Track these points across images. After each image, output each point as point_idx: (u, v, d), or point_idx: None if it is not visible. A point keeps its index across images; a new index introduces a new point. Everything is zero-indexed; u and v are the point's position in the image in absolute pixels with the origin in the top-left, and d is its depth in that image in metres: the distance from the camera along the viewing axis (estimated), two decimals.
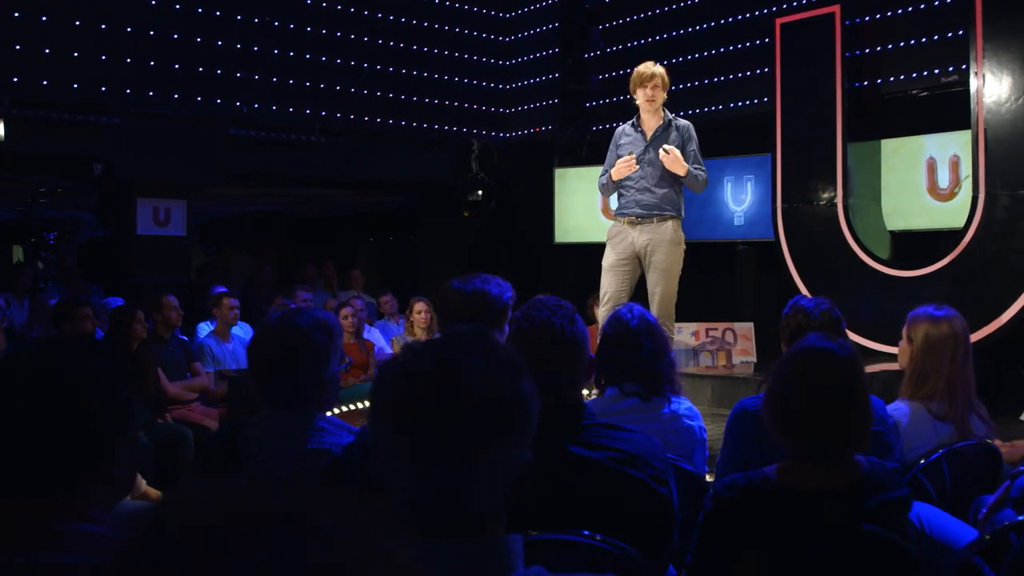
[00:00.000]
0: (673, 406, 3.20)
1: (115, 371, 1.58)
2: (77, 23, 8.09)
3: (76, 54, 8.10)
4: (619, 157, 5.96)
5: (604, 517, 2.21)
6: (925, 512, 3.06)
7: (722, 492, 2.30)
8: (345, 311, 7.69)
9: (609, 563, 2.14)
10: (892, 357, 6.24)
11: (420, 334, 8.00)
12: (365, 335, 8.05)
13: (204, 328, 7.68)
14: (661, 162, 5.72)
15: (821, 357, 2.22)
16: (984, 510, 3.08)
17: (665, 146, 5.71)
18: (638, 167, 5.79)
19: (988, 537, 2.39)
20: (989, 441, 3.44)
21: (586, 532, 2.16)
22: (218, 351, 7.01)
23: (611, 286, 5.87)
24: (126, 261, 8.53)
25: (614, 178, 5.81)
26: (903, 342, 3.53)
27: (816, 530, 2.19)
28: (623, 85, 9.87)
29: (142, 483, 4.65)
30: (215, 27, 8.82)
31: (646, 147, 5.84)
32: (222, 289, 7.92)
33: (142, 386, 5.93)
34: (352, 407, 6.52)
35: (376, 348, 8.03)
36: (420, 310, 7.95)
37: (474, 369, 1.29)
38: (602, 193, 6.26)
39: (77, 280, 8.53)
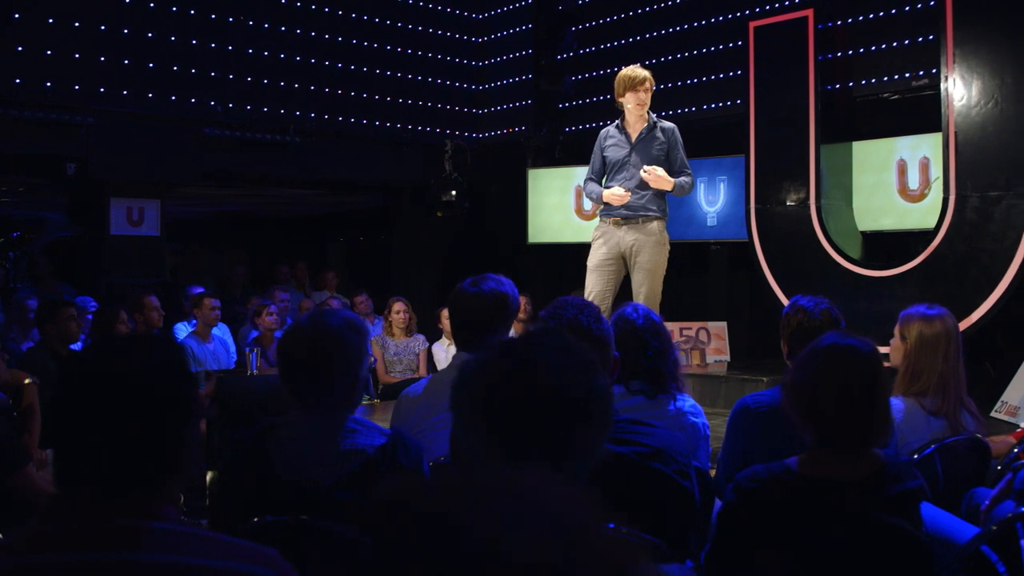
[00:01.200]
0: (678, 403, 3.26)
1: (180, 365, 1.61)
2: (50, 21, 8.00)
3: (49, 52, 8.02)
4: (604, 159, 6.02)
5: (631, 510, 2.27)
6: (922, 507, 3.15)
7: (744, 484, 2.36)
8: None
9: None
10: None
11: (399, 334, 8.03)
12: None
13: (181, 328, 7.64)
14: (646, 162, 5.77)
15: (845, 353, 2.29)
16: (979, 502, 3.18)
17: (645, 168, 5.74)
18: (624, 171, 5.85)
19: (995, 528, 2.47)
20: (979, 436, 3.54)
21: (611, 525, 2.21)
22: (199, 352, 6.97)
23: (596, 286, 5.92)
24: (99, 261, 8.44)
25: (608, 203, 5.81)
26: (896, 340, 3.63)
27: (838, 519, 2.26)
28: (597, 86, 10.02)
29: None
30: (189, 26, 8.77)
31: (631, 149, 5.89)
32: (199, 290, 7.88)
33: None
34: None
35: None
36: (399, 310, 7.98)
37: (556, 367, 1.33)
38: (587, 197, 6.28)
39: (49, 280, 8.43)
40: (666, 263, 5.89)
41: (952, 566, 2.42)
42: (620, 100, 5.96)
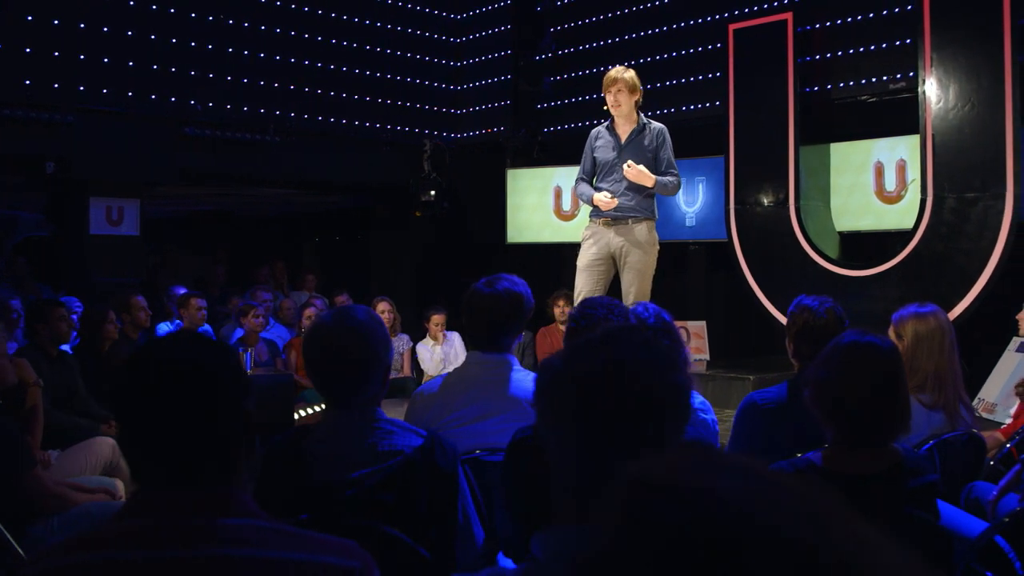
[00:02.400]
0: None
1: (239, 360, 1.64)
2: (29, 18, 7.93)
3: (28, 50, 7.94)
4: (594, 159, 6.07)
5: None
6: None
7: None
8: (309, 311, 7.69)
9: None
10: None
11: None
12: None
13: (164, 328, 7.60)
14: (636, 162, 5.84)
15: (867, 351, 2.36)
16: (979, 496, 3.27)
17: (629, 162, 5.81)
18: (613, 173, 5.91)
19: (1007, 519, 2.55)
20: (975, 431, 3.64)
21: None
22: None
23: (585, 285, 5.97)
24: (79, 261, 8.38)
25: (595, 202, 5.87)
26: (891, 340, 3.71)
27: (862, 512, 2.32)
28: (575, 87, 10.09)
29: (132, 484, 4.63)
30: (169, 25, 8.72)
31: (620, 150, 5.94)
32: (182, 290, 7.84)
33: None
34: (315, 409, 6.54)
35: None
36: (383, 310, 7.99)
37: (645, 364, 1.37)
38: (578, 198, 6.32)
39: (29, 281, 8.35)
40: (655, 263, 5.97)
41: (967, 556, 2.50)
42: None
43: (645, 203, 5.90)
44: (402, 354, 8.04)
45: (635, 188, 5.85)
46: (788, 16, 8.09)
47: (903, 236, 7.60)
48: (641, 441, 1.33)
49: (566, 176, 9.98)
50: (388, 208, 10.97)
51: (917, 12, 7.27)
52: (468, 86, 10.96)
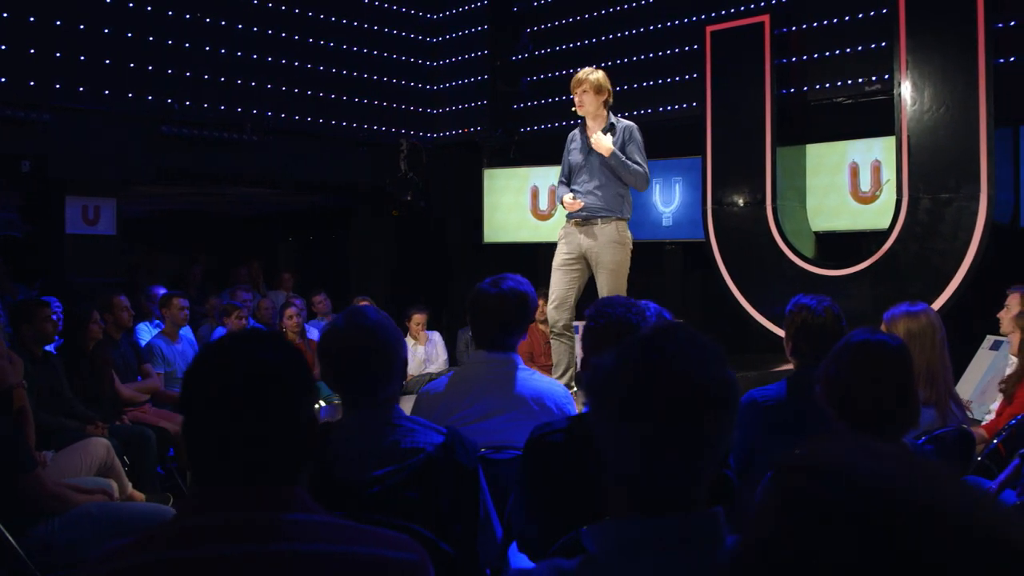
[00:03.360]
0: None
1: (303, 358, 1.66)
2: (5, 15, 7.85)
3: (4, 48, 7.86)
4: (570, 162, 6.11)
5: None
6: None
7: None
8: (290, 311, 7.68)
9: None
10: None
11: None
12: (308, 335, 8.04)
13: (144, 329, 7.56)
14: (604, 166, 5.88)
15: (878, 348, 2.42)
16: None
17: (595, 133, 5.86)
18: (583, 175, 5.93)
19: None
20: (965, 426, 3.72)
21: None
22: (168, 352, 6.91)
23: (560, 285, 6.01)
24: (57, 260, 8.30)
25: (565, 208, 5.92)
26: (900, 338, 3.79)
27: None
28: (552, 88, 10.14)
29: (128, 485, 4.62)
30: (147, 23, 8.66)
31: (588, 151, 5.96)
32: (162, 290, 7.80)
33: (100, 388, 5.84)
34: None
35: None
36: None
37: (696, 361, 1.41)
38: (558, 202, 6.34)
39: (6, 281, 8.25)
40: (628, 262, 5.97)
41: None
42: None
43: (615, 202, 5.90)
44: None
45: (604, 188, 5.87)
46: (765, 18, 8.19)
47: (878, 236, 7.72)
48: (697, 434, 1.37)
49: (543, 176, 10.04)
50: (365, 208, 10.96)
51: (893, 15, 7.39)
52: (445, 86, 10.98)
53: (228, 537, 1.45)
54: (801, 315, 3.46)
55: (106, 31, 8.43)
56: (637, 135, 6.00)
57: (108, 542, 3.48)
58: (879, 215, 7.90)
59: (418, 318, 8.16)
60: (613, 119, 6.00)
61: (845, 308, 7.44)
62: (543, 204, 10.09)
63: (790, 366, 7.06)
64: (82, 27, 8.28)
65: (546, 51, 10.20)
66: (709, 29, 8.54)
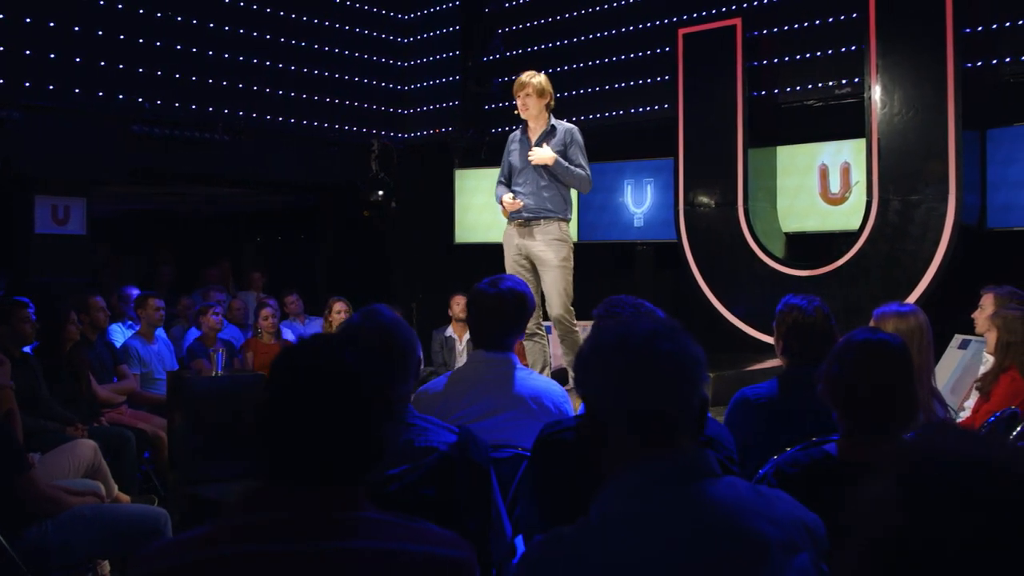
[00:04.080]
0: None
1: (380, 366, 1.69)
2: None
3: None
4: (510, 163, 6.14)
5: None
6: None
7: (786, 469, 2.53)
8: (265, 311, 7.65)
9: None
10: None
11: None
12: (284, 335, 8.01)
13: (117, 330, 7.49)
14: (545, 168, 5.88)
15: (880, 347, 2.48)
16: None
17: (532, 150, 5.90)
18: (523, 176, 5.95)
19: None
20: (947, 423, 3.81)
21: None
22: (144, 353, 6.86)
23: None
24: (24, 260, 8.20)
25: (504, 208, 5.94)
26: (900, 337, 3.87)
27: None
28: None
29: (114, 487, 4.59)
30: (117, 21, 8.58)
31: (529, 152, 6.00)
32: (134, 290, 7.74)
33: (77, 390, 5.79)
34: None
35: None
36: (339, 310, 7.99)
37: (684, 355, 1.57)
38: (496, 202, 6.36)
39: None
40: (572, 259, 5.95)
41: None
42: None
43: (555, 202, 5.91)
44: None
45: (545, 189, 5.90)
46: (737, 22, 8.29)
47: (847, 237, 7.85)
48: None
49: None
50: (336, 208, 10.93)
51: (863, 20, 7.51)
52: (416, 86, 10.98)
53: (301, 533, 1.48)
54: (792, 315, 3.52)
55: (76, 29, 8.34)
56: (579, 138, 6.03)
57: (101, 544, 3.46)
58: (848, 216, 8.03)
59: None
60: (554, 122, 6.02)
61: None
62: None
63: (764, 364, 7.22)
64: (52, 24, 8.19)
65: (518, 52, 10.24)
66: (681, 32, 8.62)
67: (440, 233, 10.45)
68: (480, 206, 10.28)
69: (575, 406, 3.57)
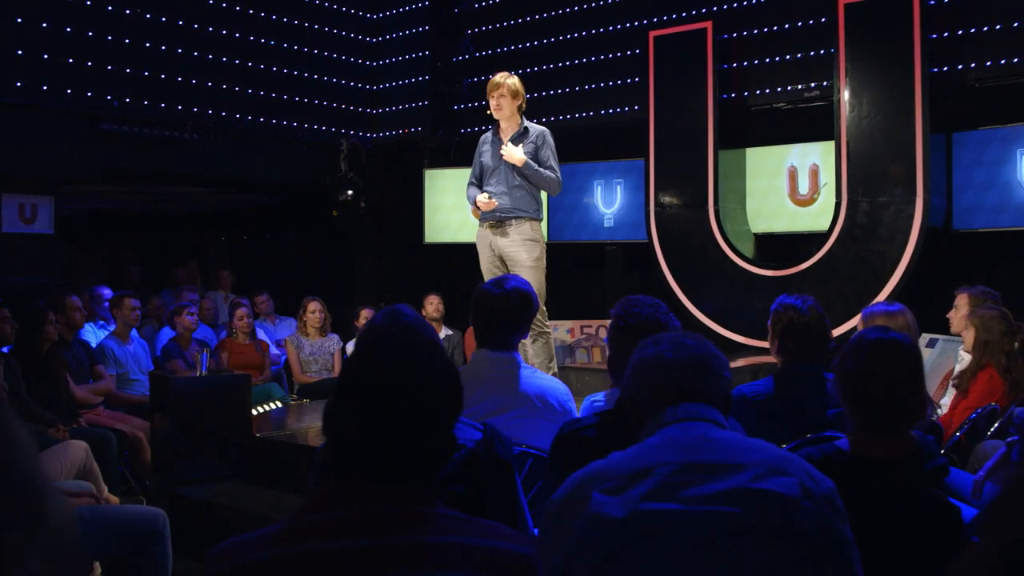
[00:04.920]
0: None
1: (454, 366, 1.72)
2: None
3: None
4: (481, 164, 6.18)
5: None
6: None
7: None
8: (240, 312, 7.61)
9: None
10: (762, 351, 6.82)
11: (314, 334, 8.02)
12: (258, 335, 7.97)
13: (89, 330, 7.41)
14: (516, 170, 5.91)
15: (891, 346, 2.56)
16: (951, 481, 3.53)
17: (504, 147, 5.96)
18: (495, 176, 5.99)
19: None
20: (935, 419, 3.92)
21: None
22: (120, 353, 6.79)
23: None
24: None
25: (479, 208, 5.96)
26: (911, 337, 3.97)
27: (888, 492, 2.53)
28: None
29: (104, 488, 4.56)
30: (85, 17, 8.48)
31: (501, 153, 6.05)
32: (106, 290, 7.66)
33: (56, 390, 5.73)
34: (261, 409, 6.50)
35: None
36: (314, 310, 7.97)
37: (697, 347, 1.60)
38: (468, 202, 6.40)
39: None
40: (544, 259, 6.00)
41: (971, 531, 2.73)
42: None
43: (526, 202, 5.95)
44: (333, 354, 8.02)
45: (517, 189, 5.94)
46: (708, 25, 8.39)
47: (816, 238, 7.99)
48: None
49: None
50: (305, 207, 10.89)
51: (832, 25, 7.65)
52: (386, 86, 10.97)
53: (378, 529, 1.51)
54: (787, 315, 3.60)
55: (44, 25, 8.23)
56: (550, 140, 6.08)
57: (102, 545, 3.44)
58: (816, 217, 8.17)
59: (367, 314, 8.14)
60: (526, 123, 6.07)
61: None
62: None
63: (736, 363, 7.30)
64: (20, 20, 8.08)
65: (487, 53, 10.28)
66: (652, 34, 8.71)
67: (409, 233, 10.46)
68: (450, 206, 10.30)
69: (577, 406, 3.62)
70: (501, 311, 3.30)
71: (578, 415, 3.35)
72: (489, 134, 6.19)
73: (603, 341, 9.03)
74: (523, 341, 5.97)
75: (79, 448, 4.38)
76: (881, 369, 2.54)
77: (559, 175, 6.09)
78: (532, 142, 5.98)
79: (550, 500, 1.92)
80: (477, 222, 10.05)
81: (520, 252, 5.82)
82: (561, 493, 1.89)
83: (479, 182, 6.17)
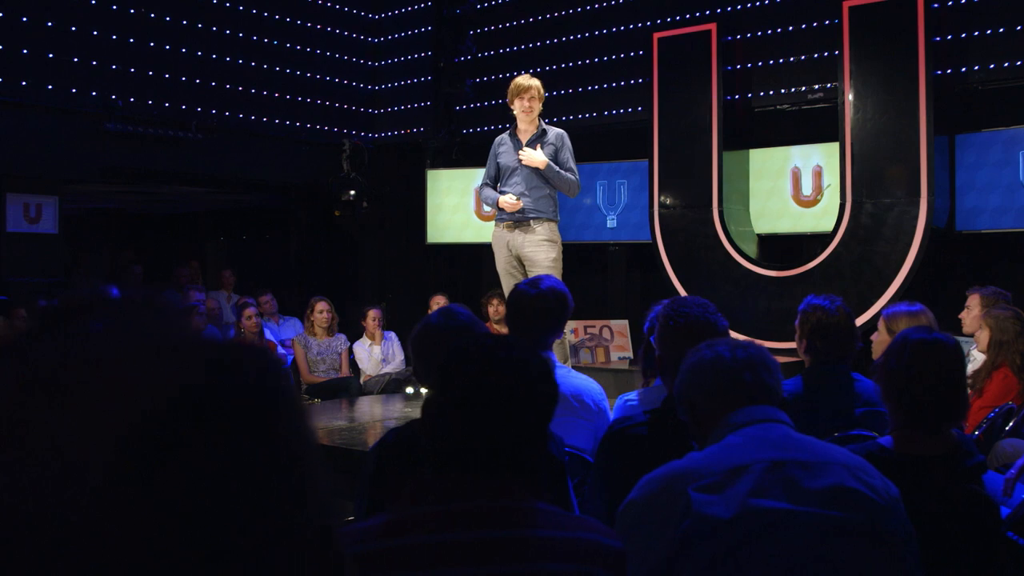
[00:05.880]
0: None
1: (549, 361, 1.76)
2: None
3: None
4: (498, 165, 6.23)
5: None
6: None
7: None
8: (249, 312, 7.62)
9: None
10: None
11: (321, 334, 8.03)
12: (265, 335, 7.98)
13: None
14: (536, 171, 6.00)
15: (935, 346, 2.61)
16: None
17: (523, 150, 6.02)
18: (514, 177, 6.06)
19: None
20: None
21: None
22: None
23: (510, 288, 6.12)
24: None
25: (502, 209, 6.00)
26: (882, 335, 4.02)
27: (931, 489, 2.58)
28: (495, 90, 10.23)
29: None
30: (91, 17, 8.48)
31: (520, 155, 6.10)
32: (113, 290, 7.65)
33: None
34: None
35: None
36: (322, 310, 7.98)
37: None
38: (484, 203, 6.46)
39: None
40: (561, 260, 6.11)
41: (1007, 526, 2.79)
42: (511, 106, 6.21)
43: (544, 204, 6.05)
44: (340, 354, 8.04)
45: (536, 190, 6.02)
46: (712, 27, 8.44)
47: (819, 238, 8.05)
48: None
49: None
50: (306, 207, 10.90)
51: (837, 27, 7.72)
52: (388, 86, 10.99)
53: (480, 522, 1.54)
54: (816, 315, 3.65)
55: (49, 24, 8.23)
56: (568, 141, 6.18)
57: None
58: (819, 218, 8.24)
59: (374, 314, 8.16)
60: (544, 125, 6.15)
61: (791, 308, 7.72)
62: (486, 208, 10.18)
63: None
64: (25, 19, 8.07)
65: (490, 53, 10.31)
66: (656, 36, 8.75)
67: (412, 233, 10.48)
68: (452, 206, 10.33)
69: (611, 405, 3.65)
70: (538, 311, 3.34)
71: (611, 414, 3.40)
72: (505, 135, 6.24)
73: (606, 341, 9.07)
74: None
75: None
76: (926, 369, 2.59)
77: (578, 176, 6.17)
78: (552, 144, 6.06)
79: (630, 501, 1.94)
80: (480, 222, 10.16)
81: (538, 253, 5.88)
82: (644, 493, 1.92)
83: (494, 183, 6.22)
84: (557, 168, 5.99)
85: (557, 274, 5.98)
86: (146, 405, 0.53)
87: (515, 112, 6.17)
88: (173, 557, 0.51)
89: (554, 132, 6.14)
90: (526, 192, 5.99)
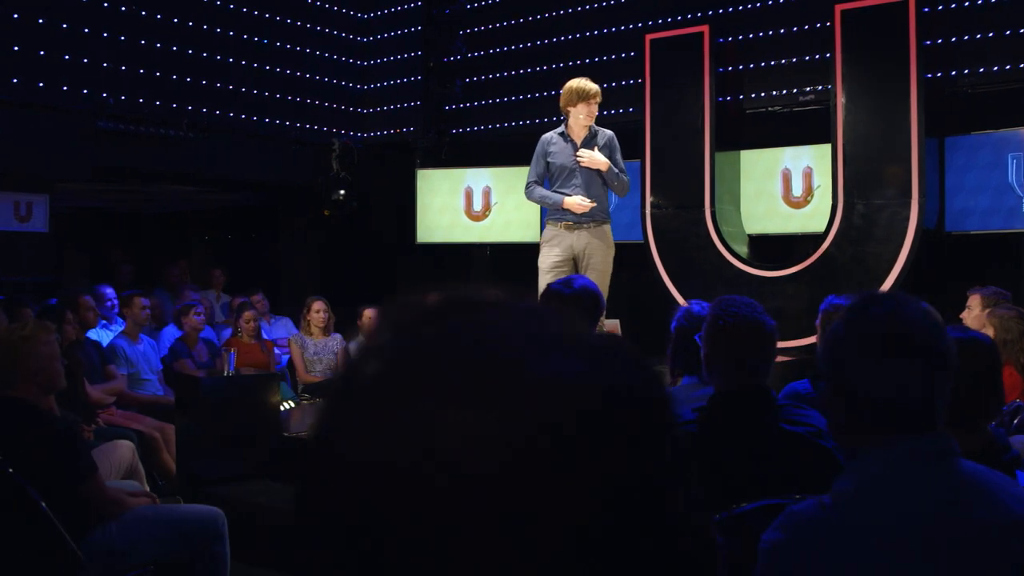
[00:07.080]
0: None
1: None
2: None
3: None
4: (548, 164, 6.27)
5: (803, 483, 2.57)
6: None
7: None
8: (248, 314, 7.61)
9: None
10: None
11: (317, 334, 8.03)
12: (264, 335, 7.97)
13: (92, 329, 7.35)
14: (591, 169, 6.08)
15: (973, 345, 2.66)
16: None
17: (580, 151, 6.08)
18: (573, 179, 6.12)
19: None
20: None
21: (797, 496, 2.52)
22: (131, 353, 6.75)
23: (544, 286, 6.17)
24: None
25: (571, 210, 6.02)
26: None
27: None
28: (484, 90, 10.27)
29: (147, 487, 4.56)
30: (82, 14, 8.42)
31: (577, 157, 6.16)
32: (109, 290, 7.61)
33: (74, 391, 5.69)
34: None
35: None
36: (318, 309, 7.98)
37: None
38: (537, 202, 6.48)
39: None
40: (612, 264, 6.23)
41: None
42: (569, 109, 6.24)
43: (603, 205, 6.15)
44: (336, 353, 8.03)
45: (594, 190, 6.09)
46: (705, 28, 8.51)
47: (809, 239, 8.15)
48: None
49: (476, 177, 10.17)
50: (295, 207, 10.87)
51: (829, 30, 7.81)
52: (378, 86, 10.98)
53: None
54: (837, 315, 3.70)
55: (40, 21, 8.16)
56: (618, 143, 6.26)
57: (167, 545, 3.46)
58: (810, 219, 8.33)
59: (370, 314, 8.16)
60: (595, 126, 6.23)
61: (783, 308, 7.85)
62: (477, 205, 10.21)
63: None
64: (16, 16, 8.00)
65: (480, 54, 10.33)
66: (648, 37, 8.80)
67: (401, 233, 10.48)
68: (441, 206, 10.34)
69: None
70: (573, 308, 3.37)
71: None
72: (554, 134, 6.29)
73: None
74: None
75: (126, 448, 4.39)
76: (966, 368, 2.65)
77: (628, 177, 6.26)
78: (606, 146, 6.13)
79: (767, 541, 1.83)
80: (469, 222, 10.17)
81: (597, 254, 5.97)
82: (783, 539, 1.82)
83: (541, 180, 6.26)
84: (616, 170, 6.07)
85: (606, 279, 6.08)
86: (587, 398, 0.57)
87: (577, 116, 6.20)
88: (607, 538, 0.55)
89: (604, 134, 6.23)
90: (587, 192, 6.04)
